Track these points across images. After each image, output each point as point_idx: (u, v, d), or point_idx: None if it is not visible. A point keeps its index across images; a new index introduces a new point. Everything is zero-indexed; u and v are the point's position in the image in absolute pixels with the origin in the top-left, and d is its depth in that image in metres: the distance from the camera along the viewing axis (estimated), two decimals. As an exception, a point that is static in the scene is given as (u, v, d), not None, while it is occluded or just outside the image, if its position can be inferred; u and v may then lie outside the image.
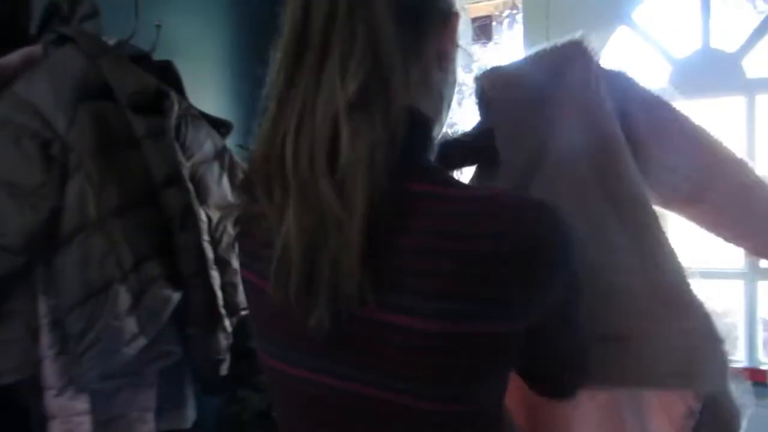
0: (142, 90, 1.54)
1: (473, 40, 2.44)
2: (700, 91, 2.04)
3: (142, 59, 1.72)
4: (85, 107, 1.48)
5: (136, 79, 1.55)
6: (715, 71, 2.03)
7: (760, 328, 1.96)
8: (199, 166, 1.66)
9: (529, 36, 2.28)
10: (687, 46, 2.07)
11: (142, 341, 1.52)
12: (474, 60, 1.01)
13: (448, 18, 0.78)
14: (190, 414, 1.74)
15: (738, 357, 2.00)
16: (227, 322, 1.67)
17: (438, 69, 0.79)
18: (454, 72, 0.83)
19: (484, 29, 2.39)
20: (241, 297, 1.72)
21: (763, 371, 1.92)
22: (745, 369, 1.95)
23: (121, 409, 1.57)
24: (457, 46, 0.82)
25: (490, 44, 2.41)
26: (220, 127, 1.87)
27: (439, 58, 0.78)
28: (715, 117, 2.06)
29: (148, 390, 1.61)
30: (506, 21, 2.41)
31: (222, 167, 1.74)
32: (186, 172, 1.60)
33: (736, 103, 2.02)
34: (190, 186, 1.60)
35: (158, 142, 1.55)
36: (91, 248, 1.44)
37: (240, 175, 1.79)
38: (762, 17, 1.99)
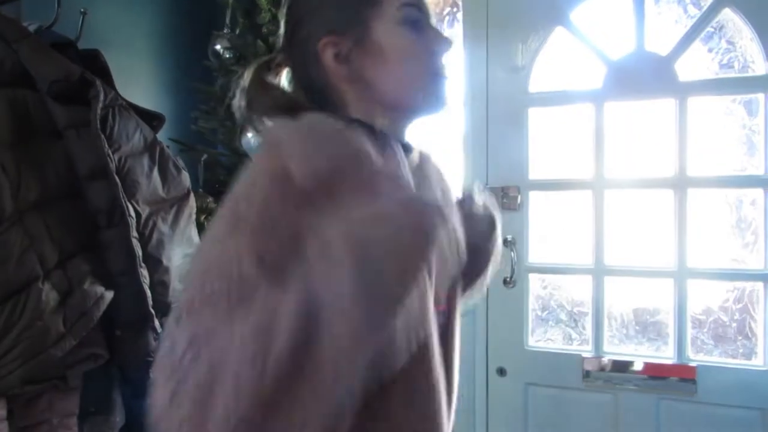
0: (64, 78, 1.46)
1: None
2: (633, 92, 2.09)
3: (66, 47, 1.63)
4: (1, 94, 1.39)
5: (57, 67, 1.47)
6: (648, 73, 2.06)
7: (689, 326, 2.01)
8: (127, 158, 1.58)
9: (468, 34, 2.28)
10: (622, 48, 2.11)
11: (70, 342, 1.44)
12: None
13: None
14: (119, 420, 1.66)
15: (667, 354, 2.04)
16: (157, 323, 1.60)
17: None
18: None
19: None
20: (172, 296, 1.65)
21: (692, 368, 1.97)
22: (674, 366, 1.99)
23: (43, 415, 1.48)
24: None
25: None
26: (152, 119, 1.80)
27: None
28: (648, 119, 2.10)
29: (72, 395, 1.53)
30: (446, 19, 2.41)
31: (152, 161, 1.66)
32: (113, 165, 1.52)
33: (668, 105, 2.06)
34: (117, 179, 1.52)
35: (82, 133, 1.47)
36: (8, 244, 1.35)
37: (172, 169, 1.73)
38: (693, 21, 2.05)
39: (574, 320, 2.22)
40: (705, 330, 2.05)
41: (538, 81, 2.21)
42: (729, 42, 2.04)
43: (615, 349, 2.13)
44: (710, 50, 2.06)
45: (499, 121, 2.20)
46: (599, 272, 2.11)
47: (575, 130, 2.18)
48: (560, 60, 2.20)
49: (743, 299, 2.01)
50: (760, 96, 1.98)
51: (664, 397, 2.01)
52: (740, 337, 2.01)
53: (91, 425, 1.59)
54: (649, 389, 2.01)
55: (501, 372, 2.17)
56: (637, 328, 2.14)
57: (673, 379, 1.99)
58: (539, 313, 2.24)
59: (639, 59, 2.08)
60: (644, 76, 2.07)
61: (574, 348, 2.19)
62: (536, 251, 2.21)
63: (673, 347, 2.02)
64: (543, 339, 2.25)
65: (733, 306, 2.03)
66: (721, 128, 2.05)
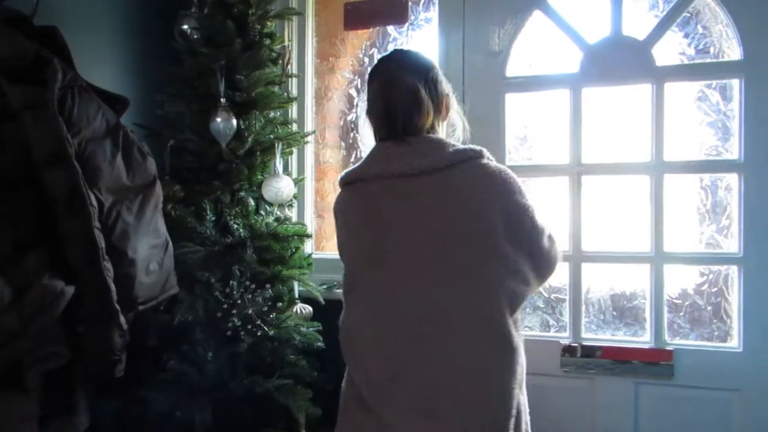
0: (18, 56, 1.36)
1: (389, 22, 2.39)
2: (610, 77, 2.06)
3: (21, 23, 1.53)
4: (-54, 73, 1.28)
5: (9, 44, 1.37)
6: (625, 58, 2.04)
7: (665, 310, 2.02)
8: (88, 143, 1.48)
9: (444, 17, 2.23)
10: (599, 32, 2.08)
11: (27, 341, 1.36)
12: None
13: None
14: (83, 420, 1.58)
15: (645, 338, 2.04)
16: (122, 318, 1.51)
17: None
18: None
19: (400, 10, 2.32)
20: (138, 290, 1.57)
21: (669, 351, 1.98)
22: (651, 350, 2.00)
23: (-2, 418, 1.39)
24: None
25: (407, 25, 2.35)
26: (115, 102, 1.70)
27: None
28: (625, 104, 2.09)
29: (31, 396, 1.44)
30: (422, 2, 2.36)
31: (115, 146, 1.57)
32: (72, 150, 1.42)
33: (645, 90, 2.03)
34: (77, 166, 1.43)
35: (38, 114, 1.37)
36: (-45, 236, 1.26)
37: (137, 155, 1.63)
38: (670, 6, 2.02)
39: (552, 307, 2.19)
40: (681, 314, 2.07)
41: (516, 66, 2.17)
42: (704, 27, 2.04)
43: (593, 335, 2.11)
44: (686, 35, 2.06)
45: (476, 107, 2.15)
46: (577, 258, 2.09)
47: (552, 115, 2.16)
48: (538, 44, 2.17)
49: (718, 283, 2.03)
50: (735, 81, 1.98)
51: (641, 382, 2.00)
52: (715, 320, 2.04)
53: (53, 428, 1.50)
54: (626, 374, 2.01)
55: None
56: (615, 313, 2.13)
57: (650, 364, 2.00)
58: None
59: (616, 44, 2.06)
60: (621, 60, 2.05)
61: (551, 335, 2.16)
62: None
63: (650, 332, 2.03)
64: (526, 329, 2.19)
65: (709, 289, 2.05)
66: (697, 113, 2.05)
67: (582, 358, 2.07)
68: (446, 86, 1.44)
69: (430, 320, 1.29)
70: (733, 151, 1.97)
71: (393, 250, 1.33)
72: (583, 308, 2.11)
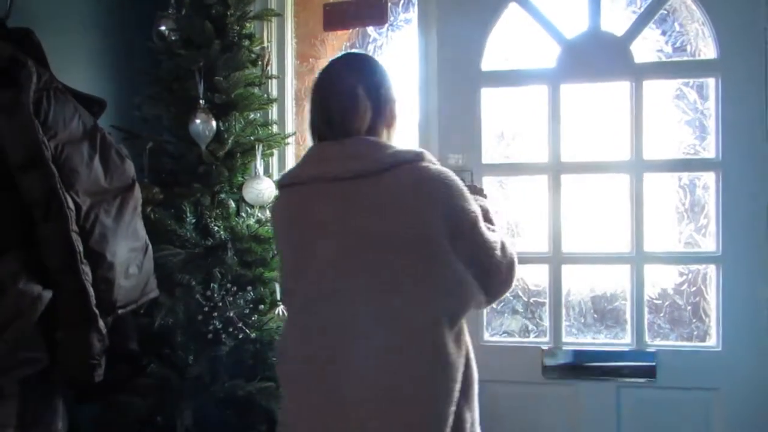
0: (-8, 57, 1.34)
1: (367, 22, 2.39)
2: (587, 74, 2.04)
3: (-7, 25, 1.50)
4: None
5: (-17, 45, 1.34)
6: (603, 54, 2.01)
7: (645, 311, 1.99)
8: (65, 146, 1.47)
9: (423, 17, 2.23)
10: (577, 26, 2.04)
11: (3, 346, 1.35)
12: None
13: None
14: (60, 427, 1.56)
15: (625, 340, 2.03)
16: (101, 323, 1.49)
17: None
18: None
19: (380, 11, 2.33)
20: (118, 294, 1.55)
21: (651, 353, 1.97)
22: (632, 352, 1.99)
23: (-27, 428, 1.37)
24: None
25: (386, 26, 2.35)
26: (92, 105, 1.68)
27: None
28: (603, 101, 2.07)
29: (7, 403, 1.42)
30: (402, 3, 2.36)
31: (93, 148, 1.55)
32: (48, 153, 1.40)
33: (623, 88, 2.02)
34: (54, 169, 1.41)
35: (13, 117, 1.36)
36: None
37: (115, 157, 1.61)
38: (648, 2, 2.01)
39: (531, 311, 2.13)
40: (661, 314, 2.06)
41: (492, 60, 2.10)
42: (681, 25, 2.04)
43: (573, 339, 2.07)
44: (664, 33, 2.05)
45: (452, 103, 2.08)
46: (556, 260, 2.04)
47: (530, 112, 2.11)
48: (514, 38, 2.13)
49: (697, 282, 2.04)
50: (711, 80, 1.98)
51: (623, 385, 1.98)
52: (695, 320, 2.04)
53: (31, 434, 1.48)
54: (608, 378, 1.99)
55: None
56: (596, 316, 2.09)
57: (632, 366, 1.98)
58: (494, 305, 2.02)
59: (594, 39, 2.02)
60: (599, 56, 2.01)
61: (531, 340, 2.11)
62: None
63: (631, 333, 2.01)
64: (499, 332, 2.15)
65: (688, 289, 2.05)
66: (675, 111, 2.05)
67: (563, 363, 2.02)
68: (394, 93, 1.37)
69: (349, 340, 1.23)
70: (710, 149, 1.99)
71: (322, 258, 1.27)
72: (564, 311, 2.06)
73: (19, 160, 1.37)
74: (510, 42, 2.13)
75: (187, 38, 2.04)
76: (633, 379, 1.98)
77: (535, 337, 2.13)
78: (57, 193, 1.41)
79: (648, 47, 2.05)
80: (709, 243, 2.00)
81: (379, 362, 1.21)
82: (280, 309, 2.07)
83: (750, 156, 1.92)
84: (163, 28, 2.04)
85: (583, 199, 2.09)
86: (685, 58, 2.03)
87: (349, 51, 1.60)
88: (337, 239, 1.26)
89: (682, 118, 2.05)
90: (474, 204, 1.29)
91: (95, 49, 2.22)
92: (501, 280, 1.33)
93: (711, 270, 2.00)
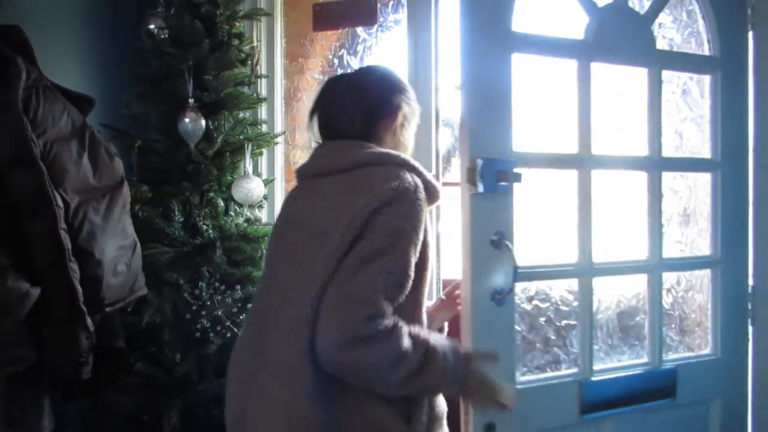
0: (-20, 55, 1.34)
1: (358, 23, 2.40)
2: (615, 54, 1.68)
3: (-18, 22, 1.50)
4: None
5: (-28, 42, 1.34)
6: (629, 32, 1.68)
7: (662, 324, 1.72)
8: (54, 144, 1.47)
9: (413, 19, 2.25)
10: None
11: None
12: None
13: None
14: (47, 424, 1.56)
15: (645, 359, 1.73)
16: (89, 320, 1.50)
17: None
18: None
19: (369, 12, 2.34)
20: (106, 291, 1.55)
21: (672, 370, 1.71)
22: (655, 371, 1.70)
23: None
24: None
25: (376, 27, 2.36)
26: (81, 102, 1.68)
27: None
28: (622, 87, 1.76)
29: (-6, 400, 1.42)
30: (391, 4, 2.38)
31: (81, 146, 1.55)
32: (37, 151, 1.41)
33: (641, 74, 1.71)
34: (43, 166, 1.41)
35: (2, 114, 1.36)
36: None
37: (104, 155, 1.62)
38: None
39: (562, 337, 1.67)
40: (673, 326, 1.82)
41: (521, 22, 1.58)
42: (689, 15, 1.83)
43: (602, 366, 1.67)
44: (675, 20, 1.83)
45: (475, 73, 1.48)
46: (586, 272, 1.62)
47: (554, 91, 1.68)
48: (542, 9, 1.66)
49: (698, 287, 1.86)
50: (712, 77, 1.81)
51: (648, 410, 1.69)
52: (697, 328, 1.85)
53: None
54: (634, 404, 1.67)
55: (490, 429, 1.46)
56: (620, 335, 1.74)
57: (655, 387, 1.70)
58: (526, 334, 1.62)
59: (620, 14, 1.68)
60: (625, 34, 1.68)
61: (564, 373, 1.63)
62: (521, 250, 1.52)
63: (651, 351, 1.72)
64: (531, 368, 1.62)
65: (691, 296, 1.86)
66: (683, 107, 1.85)
67: (598, 396, 1.62)
68: (397, 102, 1.34)
69: (264, 358, 1.17)
70: (709, 149, 1.82)
71: (276, 258, 1.28)
72: (596, 334, 1.67)
73: (7, 158, 1.37)
74: (538, 3, 1.66)
75: (176, 37, 2.04)
76: (657, 402, 1.68)
77: (567, 368, 1.65)
78: (45, 190, 1.41)
79: (662, 33, 1.79)
80: (707, 246, 1.82)
81: (277, 395, 1.15)
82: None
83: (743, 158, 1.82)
84: (152, 26, 2.04)
85: (602, 198, 1.70)
86: (691, 51, 1.82)
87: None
88: (294, 233, 1.23)
89: (687, 115, 1.84)
90: (406, 232, 1.12)
91: (84, 47, 2.21)
92: (328, 344, 1.05)
93: (710, 274, 1.82)
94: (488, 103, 1.49)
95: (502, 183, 1.44)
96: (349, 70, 2.35)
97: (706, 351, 1.83)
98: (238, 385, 1.25)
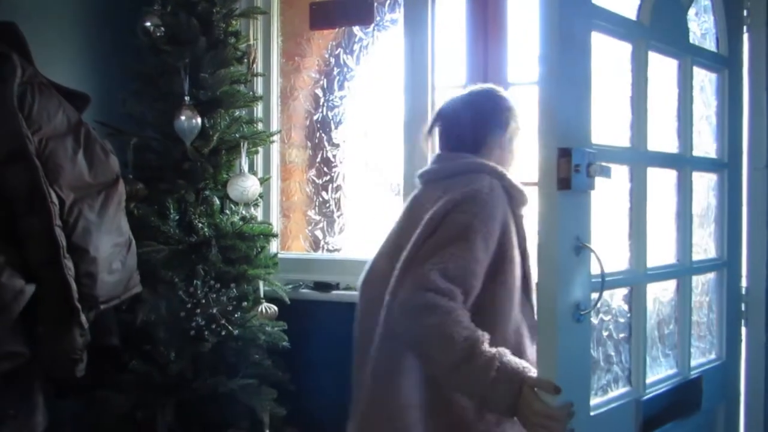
0: (-25, 50, 1.33)
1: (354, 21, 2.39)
2: (662, 40, 1.50)
3: (-23, 18, 1.50)
4: None
5: (-33, 38, 1.34)
6: (671, 18, 1.53)
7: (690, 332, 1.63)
8: (49, 140, 1.46)
9: (410, 18, 2.25)
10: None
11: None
12: None
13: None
14: (40, 421, 1.55)
15: (674, 369, 1.61)
16: (84, 317, 1.49)
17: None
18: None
19: (366, 11, 2.34)
20: (100, 289, 1.55)
21: (699, 378, 1.63)
22: (686, 382, 1.60)
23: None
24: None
25: (373, 26, 2.36)
26: (76, 99, 1.68)
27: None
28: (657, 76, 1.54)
29: (-13, 397, 1.42)
30: (388, 3, 2.38)
31: (77, 143, 1.55)
32: (32, 147, 1.40)
33: (671, 66, 1.59)
34: (38, 163, 1.41)
35: (-3, 111, 1.35)
36: None
37: (99, 153, 1.61)
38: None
39: (619, 352, 1.49)
40: (693, 332, 1.67)
41: None
42: (705, 11, 1.74)
43: (648, 380, 1.52)
44: (697, 14, 1.71)
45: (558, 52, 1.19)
46: (641, 279, 1.47)
47: (607, 78, 1.43)
48: None
49: (709, 290, 1.77)
50: (721, 76, 1.76)
51: (679, 423, 1.57)
52: (709, 334, 1.76)
53: (11, 429, 1.47)
54: (672, 419, 1.55)
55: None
56: (659, 345, 1.61)
57: (685, 398, 1.60)
58: (594, 353, 1.41)
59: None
60: (670, 19, 1.52)
61: (621, 392, 1.45)
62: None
63: (679, 360, 1.62)
64: (600, 392, 1.41)
65: (701, 299, 1.75)
66: (699, 105, 1.72)
67: (652, 413, 1.47)
68: (511, 121, 1.49)
69: (362, 349, 1.35)
70: (715, 150, 1.77)
71: (377, 258, 1.43)
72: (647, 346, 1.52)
73: (2, 155, 1.37)
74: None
75: (172, 35, 2.04)
76: (685, 412, 1.59)
77: (623, 386, 1.49)
78: (40, 187, 1.41)
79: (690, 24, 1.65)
80: (716, 248, 1.77)
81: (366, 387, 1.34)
82: (263, 306, 2.08)
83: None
84: (148, 24, 2.03)
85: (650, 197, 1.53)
86: (707, 47, 1.72)
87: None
88: (385, 241, 1.44)
89: (703, 114, 1.74)
90: (470, 229, 1.26)
91: (80, 44, 2.21)
92: (395, 308, 1.23)
93: (721, 276, 1.77)
94: (570, 88, 1.24)
95: (592, 178, 1.22)
96: (345, 69, 2.41)
97: (712, 356, 1.76)
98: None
